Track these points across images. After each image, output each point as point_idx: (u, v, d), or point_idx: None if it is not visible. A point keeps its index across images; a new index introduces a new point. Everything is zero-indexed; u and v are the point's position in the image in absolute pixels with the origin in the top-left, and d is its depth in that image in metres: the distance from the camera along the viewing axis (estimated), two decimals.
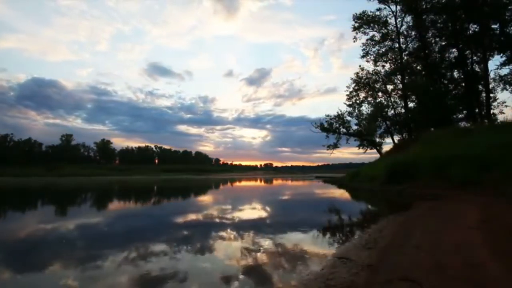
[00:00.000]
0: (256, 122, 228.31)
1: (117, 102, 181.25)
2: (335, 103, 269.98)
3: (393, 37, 28.32)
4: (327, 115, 29.52)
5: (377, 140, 29.54)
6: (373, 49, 29.12)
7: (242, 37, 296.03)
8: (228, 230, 6.12)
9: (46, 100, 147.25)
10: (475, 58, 24.03)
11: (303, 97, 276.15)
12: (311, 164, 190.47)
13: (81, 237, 5.75)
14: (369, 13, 28.12)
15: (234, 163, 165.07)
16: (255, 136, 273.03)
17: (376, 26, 28.31)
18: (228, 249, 4.66)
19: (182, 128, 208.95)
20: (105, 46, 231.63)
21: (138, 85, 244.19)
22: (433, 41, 26.20)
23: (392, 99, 28.93)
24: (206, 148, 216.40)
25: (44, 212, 10.29)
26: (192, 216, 8.40)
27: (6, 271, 3.79)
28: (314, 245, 4.85)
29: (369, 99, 29.58)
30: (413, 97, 26.93)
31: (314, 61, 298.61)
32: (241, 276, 3.42)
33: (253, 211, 9.59)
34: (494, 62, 58.85)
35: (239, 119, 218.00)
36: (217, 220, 7.61)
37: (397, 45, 28.25)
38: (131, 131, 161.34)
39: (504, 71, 22.35)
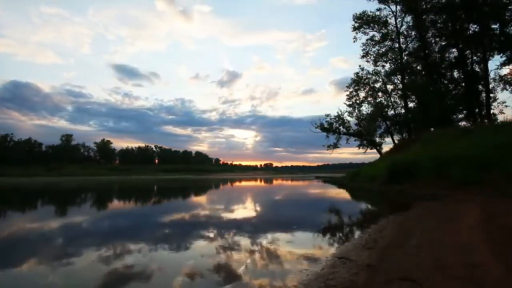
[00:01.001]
0: (240, 123, 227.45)
1: (94, 103, 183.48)
2: (314, 104, 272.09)
3: (393, 37, 28.33)
4: (327, 115, 29.61)
5: (377, 140, 29.61)
6: (373, 49, 29.17)
7: (210, 40, 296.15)
8: (229, 230, 6.12)
9: (26, 102, 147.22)
10: (475, 58, 24.02)
11: (280, 98, 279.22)
12: (311, 164, 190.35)
13: (74, 235, 5.76)
14: (369, 13, 28.17)
15: (234, 163, 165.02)
16: (246, 136, 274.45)
17: (376, 26, 28.33)
18: (228, 248, 4.66)
19: (170, 129, 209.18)
20: (74, 50, 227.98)
21: (110, 87, 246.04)
22: (433, 41, 26.20)
23: (392, 99, 28.97)
24: (200, 148, 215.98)
25: (40, 211, 10.29)
26: (191, 218, 8.40)
27: None
28: (314, 245, 4.85)
29: (369, 99, 29.63)
30: (413, 97, 26.93)
31: (284, 63, 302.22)
32: (240, 275, 3.43)
33: (253, 212, 9.59)
34: (494, 62, 58.85)
35: (222, 120, 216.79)
36: (216, 220, 7.61)
37: (397, 45, 28.26)
38: (118, 132, 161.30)
39: (504, 71, 22.38)
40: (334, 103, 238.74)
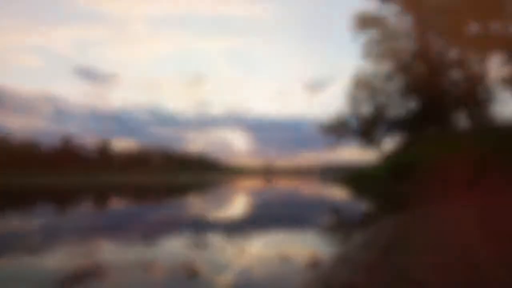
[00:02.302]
0: (220, 124, 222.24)
1: (69, 105, 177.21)
2: (287, 106, 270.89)
3: (393, 37, 28.29)
4: (327, 115, 29.64)
5: (377, 140, 29.55)
6: (373, 49, 29.09)
7: (176, 43, 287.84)
8: (231, 230, 6.13)
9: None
10: (475, 58, 23.99)
11: (249, 100, 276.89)
12: (311, 164, 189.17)
13: (54, 232, 5.78)
14: (369, 13, 28.13)
15: (234, 163, 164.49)
16: (235, 137, 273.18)
17: (376, 26, 28.29)
18: (229, 248, 4.67)
19: (153, 129, 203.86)
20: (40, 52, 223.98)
21: (79, 89, 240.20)
22: (433, 41, 26.17)
23: (392, 99, 28.92)
24: (195, 148, 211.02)
25: (36, 211, 10.31)
26: (193, 219, 8.41)
27: None
28: (315, 244, 4.86)
29: (369, 99, 29.54)
30: (413, 97, 26.89)
31: (250, 65, 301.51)
32: (240, 275, 3.43)
33: (256, 212, 9.60)
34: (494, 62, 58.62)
35: (201, 122, 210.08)
36: (220, 220, 7.62)
37: (397, 45, 28.22)
38: (102, 133, 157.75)
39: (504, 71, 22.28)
40: (305, 105, 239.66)
